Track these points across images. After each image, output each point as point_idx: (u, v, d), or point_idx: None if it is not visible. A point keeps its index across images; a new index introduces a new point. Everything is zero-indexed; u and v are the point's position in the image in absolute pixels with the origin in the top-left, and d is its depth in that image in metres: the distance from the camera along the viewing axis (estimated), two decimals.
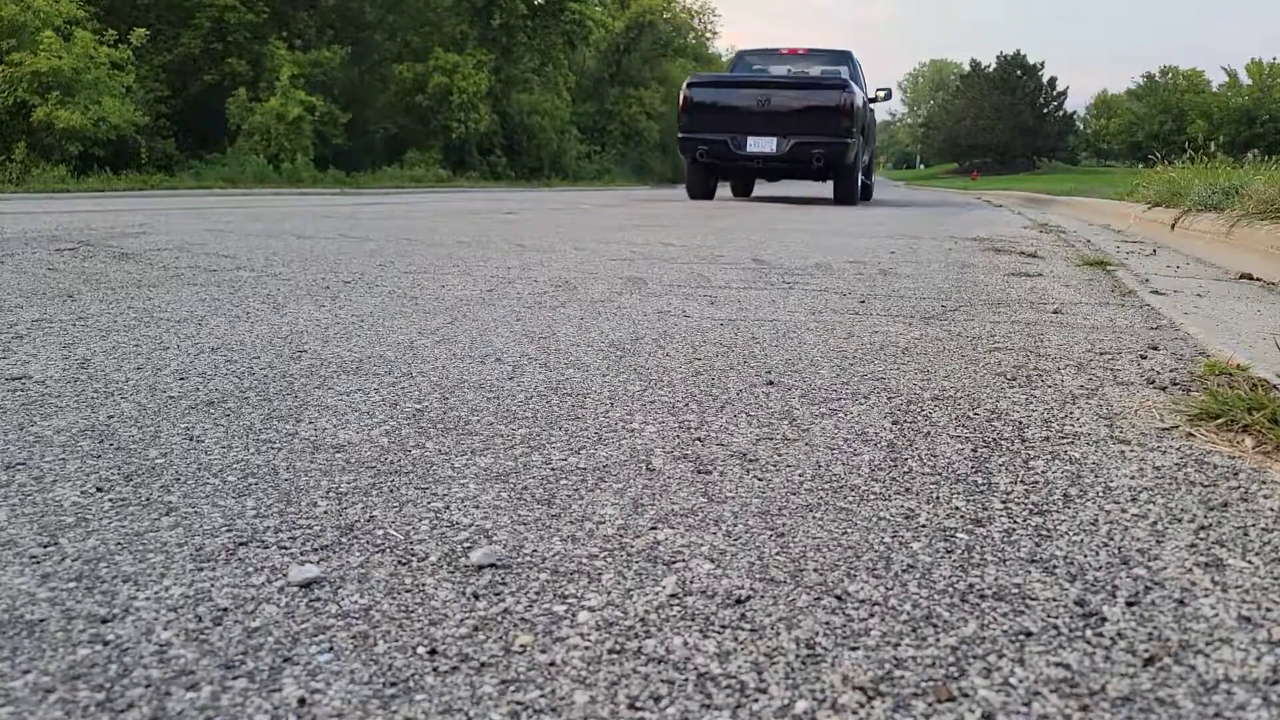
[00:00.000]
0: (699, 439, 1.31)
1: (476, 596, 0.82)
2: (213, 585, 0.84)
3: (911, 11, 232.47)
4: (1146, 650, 0.75)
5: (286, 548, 0.92)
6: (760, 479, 1.14)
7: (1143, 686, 0.70)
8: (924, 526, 1.00)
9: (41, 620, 0.77)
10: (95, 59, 14.08)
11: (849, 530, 0.99)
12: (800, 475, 1.16)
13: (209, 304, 2.42)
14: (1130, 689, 0.69)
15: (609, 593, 0.83)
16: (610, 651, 0.74)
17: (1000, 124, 60.77)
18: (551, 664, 0.72)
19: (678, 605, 0.81)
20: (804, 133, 9.62)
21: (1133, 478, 1.17)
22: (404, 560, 0.90)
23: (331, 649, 0.73)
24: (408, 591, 0.83)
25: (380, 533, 0.96)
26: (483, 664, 0.71)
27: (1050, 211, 10.29)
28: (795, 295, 2.79)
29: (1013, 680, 0.70)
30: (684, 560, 0.90)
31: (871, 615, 0.80)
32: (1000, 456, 1.25)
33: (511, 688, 0.68)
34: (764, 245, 4.60)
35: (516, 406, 1.46)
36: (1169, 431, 1.37)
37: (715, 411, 1.46)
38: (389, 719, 0.64)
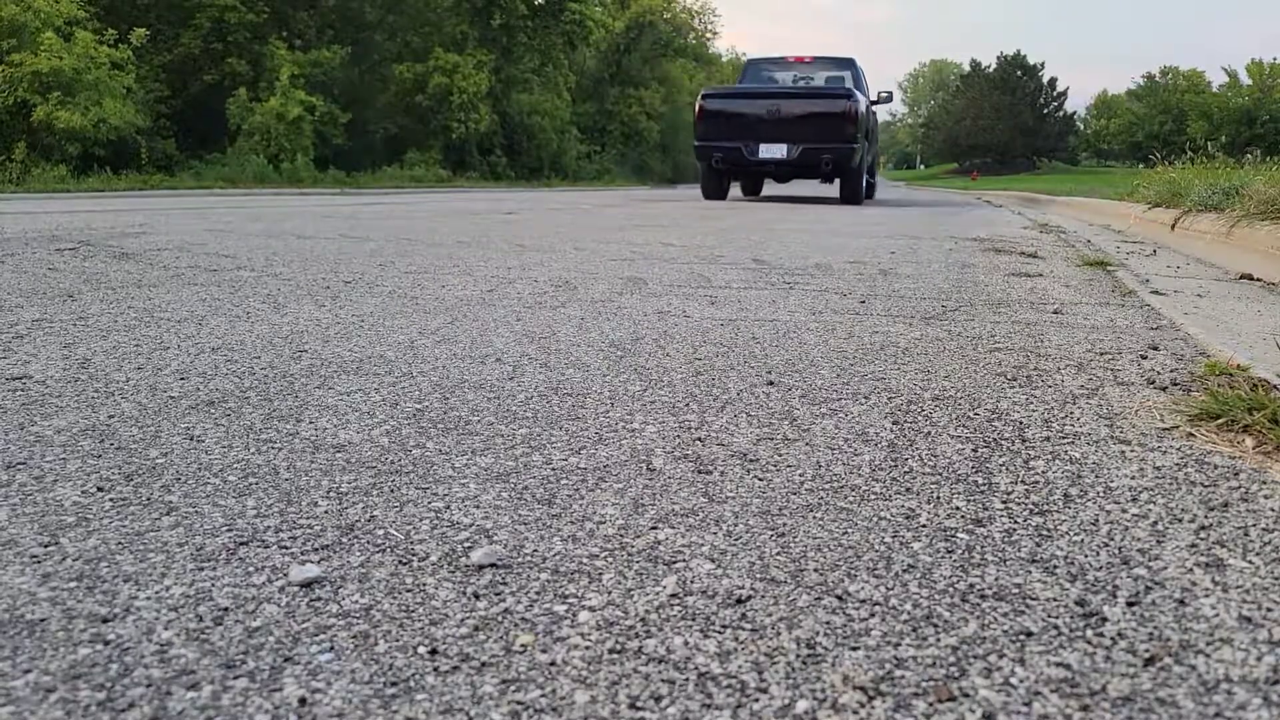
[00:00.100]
0: (699, 439, 1.31)
1: (477, 596, 0.82)
2: (213, 585, 0.84)
3: (911, 11, 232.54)
4: (1147, 650, 0.75)
5: (287, 547, 0.92)
6: (761, 479, 1.14)
7: (1143, 686, 0.70)
8: (924, 526, 1.00)
9: (42, 620, 0.77)
10: (95, 59, 14.08)
11: (849, 530, 0.99)
12: (801, 475, 1.16)
13: (209, 304, 2.42)
14: (1131, 689, 0.69)
15: (609, 592, 0.83)
16: (611, 651, 0.74)
17: (1000, 124, 60.77)
18: (552, 664, 0.72)
19: (678, 605, 0.81)
20: (812, 139, 10.23)
21: (1133, 478, 1.17)
22: (404, 560, 0.90)
23: (332, 649, 0.73)
24: (408, 591, 0.83)
25: (381, 532, 0.96)
26: (483, 664, 0.71)
27: (1050, 212, 10.29)
28: (795, 295, 2.79)
29: (1013, 680, 0.70)
30: (684, 560, 0.90)
31: (872, 615, 0.80)
32: (1001, 456, 1.25)
33: (512, 687, 0.68)
34: (764, 245, 4.60)
35: (517, 406, 1.46)
36: (1169, 431, 1.37)
37: (716, 411, 1.46)
38: (390, 719, 0.64)
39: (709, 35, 45.54)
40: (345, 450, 1.22)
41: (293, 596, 0.82)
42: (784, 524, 1.00)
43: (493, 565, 0.89)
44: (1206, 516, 1.04)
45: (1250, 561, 0.92)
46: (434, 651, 0.73)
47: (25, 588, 0.82)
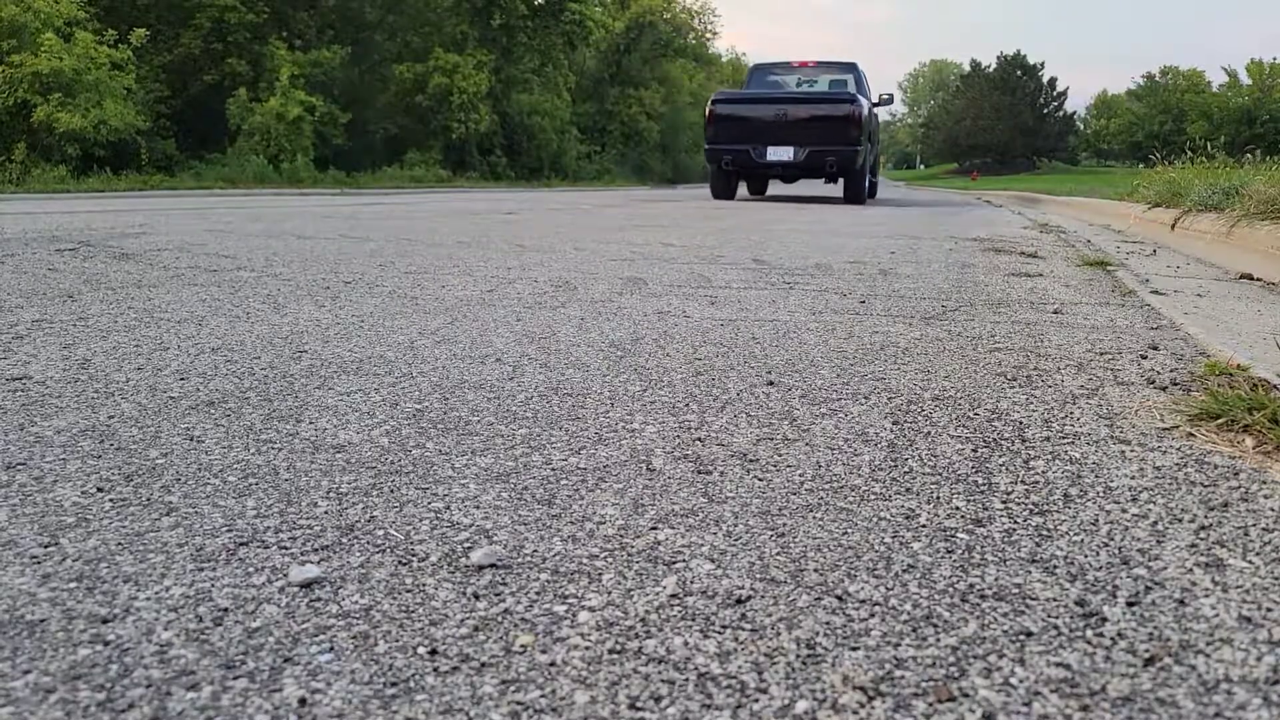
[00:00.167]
0: (699, 439, 1.31)
1: (477, 597, 0.82)
2: (213, 585, 0.84)
3: (911, 12, 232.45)
4: (1147, 650, 0.75)
5: (287, 548, 0.92)
6: (761, 479, 1.14)
7: (1143, 686, 0.70)
8: (924, 526, 1.00)
9: (42, 620, 0.77)
10: (95, 60, 14.08)
11: (849, 530, 0.99)
12: (801, 475, 1.16)
13: (209, 304, 2.42)
14: (1131, 689, 0.69)
15: (609, 593, 0.83)
16: (611, 651, 0.74)
17: (1000, 124, 60.76)
18: (552, 664, 0.72)
19: (678, 605, 0.81)
20: (818, 142, 10.73)
21: (1133, 478, 1.17)
22: (404, 560, 0.90)
23: (332, 649, 0.73)
24: (408, 591, 0.83)
25: (381, 533, 0.96)
26: (483, 664, 0.71)
27: (1050, 211, 10.30)
28: (795, 295, 2.80)
29: (1013, 680, 0.70)
30: (684, 560, 0.90)
31: (872, 615, 0.80)
32: (1000, 456, 1.25)
33: (512, 688, 0.68)
34: (764, 245, 4.60)
35: (517, 407, 1.46)
36: (1169, 431, 1.37)
37: (715, 412, 1.46)
38: (389, 719, 0.64)
39: (709, 35, 45.52)
40: (345, 450, 1.22)
41: (292, 597, 0.82)
42: (784, 524, 1.00)
43: (492, 565, 0.89)
44: (1206, 516, 1.04)
45: (1250, 561, 0.92)
46: (434, 652, 0.73)
47: (25, 588, 0.82)
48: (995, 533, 0.99)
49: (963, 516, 1.03)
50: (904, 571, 0.89)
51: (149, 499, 1.04)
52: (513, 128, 25.34)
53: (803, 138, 10.76)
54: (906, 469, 1.19)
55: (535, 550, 0.92)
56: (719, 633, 0.77)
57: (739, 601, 0.82)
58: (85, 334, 1.99)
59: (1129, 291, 3.00)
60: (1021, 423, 1.42)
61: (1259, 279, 3.46)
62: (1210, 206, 4.77)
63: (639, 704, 0.66)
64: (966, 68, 68.10)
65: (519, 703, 0.66)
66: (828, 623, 0.79)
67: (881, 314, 2.47)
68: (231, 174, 15.90)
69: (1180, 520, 1.03)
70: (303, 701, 0.66)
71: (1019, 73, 62.70)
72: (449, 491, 1.08)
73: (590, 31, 26.95)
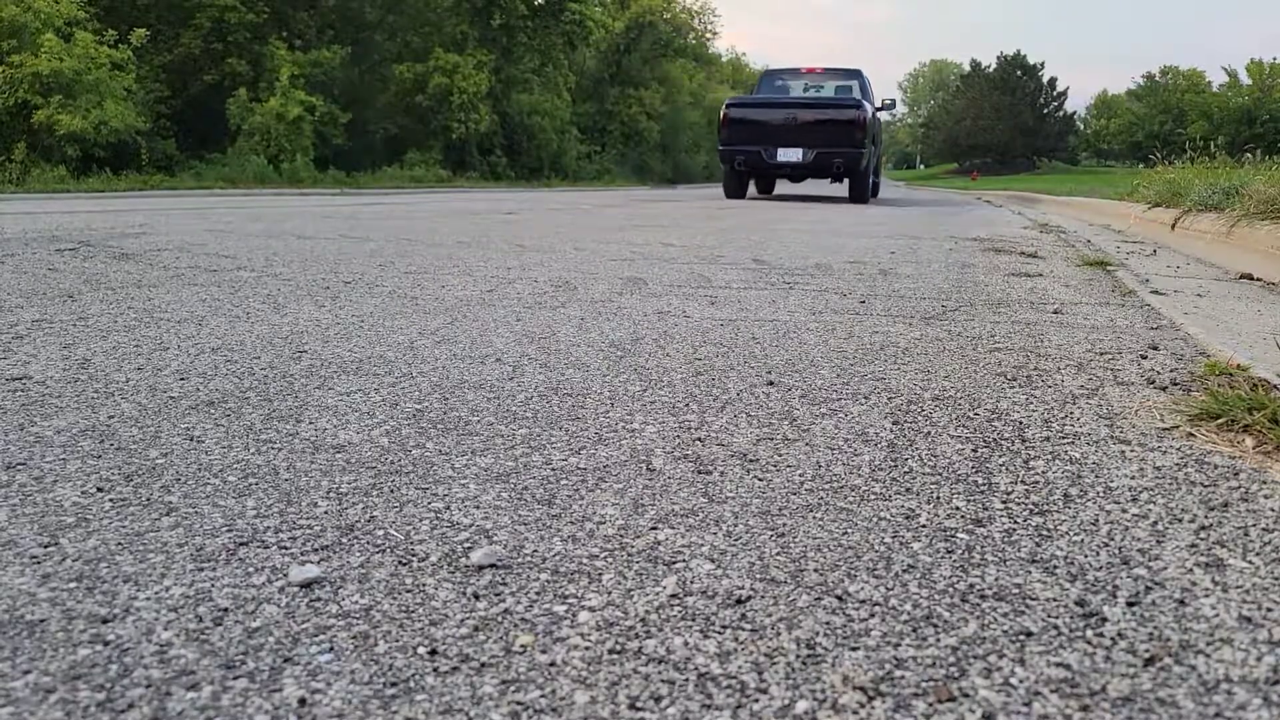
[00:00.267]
0: (699, 439, 1.31)
1: (477, 597, 0.82)
2: (213, 585, 0.84)
3: (911, 12, 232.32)
4: (1147, 650, 0.75)
5: (287, 548, 0.92)
6: (761, 479, 1.14)
7: (1143, 686, 0.70)
8: (924, 527, 1.00)
9: (42, 620, 0.77)
10: (96, 60, 14.08)
11: (849, 530, 0.99)
12: (801, 475, 1.16)
13: (209, 304, 2.42)
14: (1131, 689, 0.69)
15: (609, 593, 0.83)
16: (611, 652, 0.74)
17: (1000, 124, 60.74)
18: (552, 664, 0.72)
19: (678, 605, 0.81)
20: (825, 144, 11.44)
21: (1133, 478, 1.17)
22: (404, 560, 0.90)
23: (332, 649, 0.73)
24: (408, 592, 0.83)
25: (381, 533, 0.96)
26: (483, 664, 0.71)
27: (1050, 211, 10.30)
28: (795, 295, 2.80)
29: (1013, 680, 0.70)
30: (684, 560, 0.90)
31: (872, 615, 0.80)
32: (1000, 456, 1.25)
33: (512, 688, 0.68)
34: (764, 245, 4.60)
35: (517, 407, 1.46)
36: (1169, 431, 1.37)
37: (715, 412, 1.46)
38: (389, 719, 0.64)
39: (709, 35, 45.50)
40: (345, 450, 1.22)
41: (292, 597, 0.82)
42: (784, 524, 1.00)
43: (492, 565, 0.89)
44: (1206, 516, 1.04)
45: (1250, 561, 0.92)
46: (434, 652, 0.73)
47: (25, 588, 0.82)
48: (995, 533, 0.99)
49: (963, 516, 1.03)
50: (904, 571, 0.89)
51: (149, 499, 1.04)
52: (513, 128, 25.33)
53: (811, 140, 11.41)
54: (906, 469, 1.19)
55: (535, 550, 0.92)
56: (719, 633, 0.77)
57: (739, 601, 0.82)
58: (85, 334, 1.99)
59: (1129, 291, 3.00)
60: (1021, 423, 1.42)
61: (1259, 279, 3.46)
62: (1210, 206, 4.77)
63: (639, 704, 0.66)
64: (966, 68, 68.10)
65: (519, 703, 0.66)
66: (828, 623, 0.79)
67: (881, 314, 2.47)
68: (231, 174, 15.89)
69: (1180, 520, 1.03)
70: (303, 701, 0.66)
71: (1019, 73, 62.69)
72: (449, 491, 1.08)
73: (590, 31, 26.94)
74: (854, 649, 0.74)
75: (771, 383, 1.66)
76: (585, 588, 0.84)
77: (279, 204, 8.82)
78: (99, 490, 1.06)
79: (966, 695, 0.68)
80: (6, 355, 1.76)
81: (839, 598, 0.83)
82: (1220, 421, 1.36)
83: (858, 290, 2.94)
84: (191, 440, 1.26)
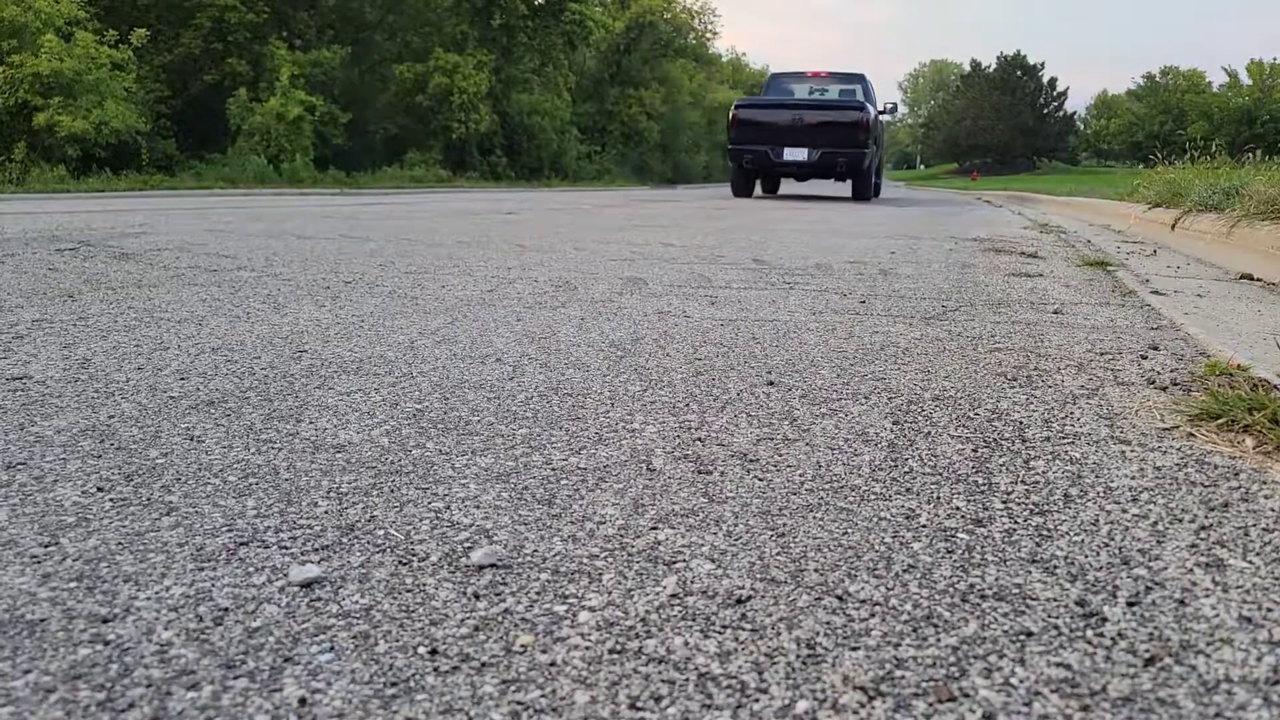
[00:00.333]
0: (699, 439, 1.31)
1: (477, 596, 0.82)
2: (213, 585, 0.84)
3: (911, 12, 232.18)
4: (1147, 650, 0.75)
5: (287, 547, 0.92)
6: (761, 479, 1.14)
7: (1143, 687, 0.70)
8: (925, 527, 1.00)
9: (42, 620, 0.77)
10: (96, 60, 14.08)
11: (850, 530, 0.99)
12: (801, 475, 1.16)
13: (209, 304, 2.42)
14: (1131, 689, 0.69)
15: (610, 593, 0.83)
16: (611, 651, 0.74)
17: (1000, 124, 60.74)
18: (552, 664, 0.72)
19: (678, 605, 0.81)
20: (830, 145, 11.87)
21: (1133, 478, 1.17)
22: (405, 560, 0.90)
23: (332, 649, 0.73)
24: (408, 591, 0.83)
25: (381, 533, 0.96)
26: (483, 664, 0.71)
27: (1050, 212, 10.30)
28: (796, 295, 2.80)
29: (1013, 680, 0.70)
30: (685, 560, 0.90)
31: (872, 615, 0.80)
32: (1001, 457, 1.25)
33: (512, 688, 0.68)
34: (764, 245, 4.60)
35: (517, 407, 1.46)
36: (1169, 432, 1.37)
37: (716, 412, 1.46)
38: (390, 719, 0.64)
39: (709, 35, 45.51)
40: (345, 450, 1.22)
41: (293, 597, 0.82)
42: (784, 524, 1.00)
43: (493, 565, 0.89)
44: (1206, 516, 1.04)
45: (1250, 561, 0.92)
46: (434, 652, 0.73)
47: (25, 588, 0.82)
48: (995, 533, 0.99)
49: (963, 516, 1.03)
50: (904, 571, 0.89)
51: (149, 499, 1.04)
52: (513, 128, 25.33)
53: (816, 140, 11.86)
54: (907, 469, 1.19)
55: (535, 550, 0.92)
56: (719, 633, 0.77)
57: (739, 601, 0.82)
58: (85, 334, 1.99)
59: (1129, 292, 3.00)
60: (1022, 423, 1.42)
61: (1259, 279, 3.46)
62: (1210, 207, 4.77)
63: (639, 704, 0.66)
64: (966, 68, 68.10)
65: (519, 703, 0.66)
66: (828, 623, 0.79)
67: (882, 314, 2.47)
68: (232, 174, 15.89)
69: (1180, 520, 1.03)
70: (303, 701, 0.66)
71: (1019, 73, 62.69)
72: (449, 491, 1.08)
73: (590, 31, 26.94)
74: (854, 649, 0.74)
75: (772, 383, 1.66)
76: (585, 587, 0.84)
77: (279, 204, 8.82)
78: (99, 490, 1.06)
79: (967, 695, 0.68)
80: (7, 355, 1.76)
81: (839, 598, 0.83)
82: (1220, 421, 1.36)
83: (858, 290, 2.94)
84: (192, 440, 1.26)
